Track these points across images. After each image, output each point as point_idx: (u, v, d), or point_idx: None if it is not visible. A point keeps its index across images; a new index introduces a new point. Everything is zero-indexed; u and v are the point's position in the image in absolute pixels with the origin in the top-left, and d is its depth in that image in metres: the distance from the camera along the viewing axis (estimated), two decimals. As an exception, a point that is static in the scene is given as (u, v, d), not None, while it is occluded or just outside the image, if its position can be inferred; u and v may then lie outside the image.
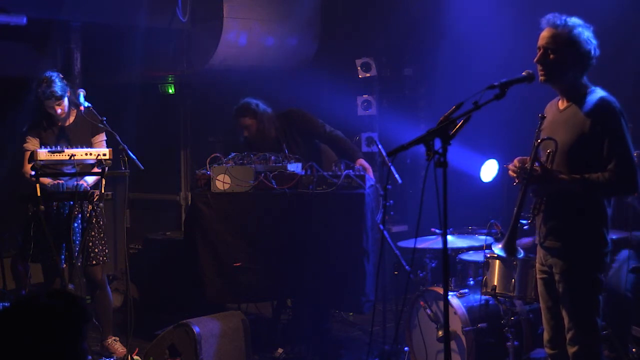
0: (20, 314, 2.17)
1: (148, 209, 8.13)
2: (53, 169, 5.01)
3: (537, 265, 3.65)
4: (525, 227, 3.60)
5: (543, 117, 3.58)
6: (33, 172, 4.66)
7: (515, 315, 4.43)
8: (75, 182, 4.90)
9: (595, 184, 3.34)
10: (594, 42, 3.42)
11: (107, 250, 5.24)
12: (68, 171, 4.91)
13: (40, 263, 5.20)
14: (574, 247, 3.43)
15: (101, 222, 5.17)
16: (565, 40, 3.38)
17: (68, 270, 5.17)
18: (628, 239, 4.56)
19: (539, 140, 3.49)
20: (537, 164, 3.44)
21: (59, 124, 5.19)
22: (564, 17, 3.42)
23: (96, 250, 5.13)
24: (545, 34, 3.43)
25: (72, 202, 4.94)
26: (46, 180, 4.96)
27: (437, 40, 6.66)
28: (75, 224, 5.01)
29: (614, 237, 4.29)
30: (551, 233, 3.49)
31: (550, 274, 3.53)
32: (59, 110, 5.07)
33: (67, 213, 4.99)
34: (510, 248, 3.57)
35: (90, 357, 4.78)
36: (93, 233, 5.09)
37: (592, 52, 3.41)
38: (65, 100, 5.08)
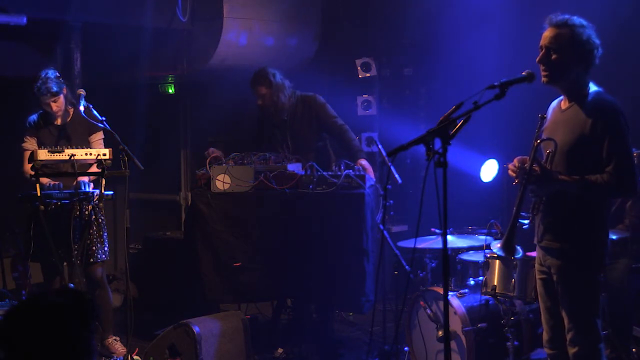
0: (30, 313, 2.16)
1: (148, 209, 8.12)
2: (52, 168, 5.02)
3: (537, 265, 3.65)
4: (525, 226, 3.59)
5: (543, 117, 3.58)
6: (33, 172, 4.66)
7: (515, 315, 4.43)
8: (75, 183, 4.89)
9: (594, 186, 3.33)
10: (597, 41, 3.40)
11: (106, 249, 5.23)
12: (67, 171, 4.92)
13: (39, 262, 5.22)
14: (572, 248, 3.43)
15: (100, 220, 5.17)
16: (567, 40, 3.37)
17: (68, 270, 5.18)
18: (628, 239, 4.56)
19: (538, 141, 3.49)
20: (536, 164, 3.44)
21: (56, 122, 5.20)
22: (566, 17, 3.41)
23: (94, 248, 5.13)
24: (547, 33, 3.43)
25: (69, 202, 4.94)
26: (45, 180, 4.97)
27: (437, 40, 6.66)
28: (75, 224, 5.01)
29: (614, 237, 4.30)
30: (549, 233, 3.49)
31: (549, 274, 3.53)
32: (54, 107, 5.08)
33: (67, 213, 4.99)
34: (508, 247, 3.57)
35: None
36: (91, 231, 5.10)
37: (595, 51, 3.40)
38: (61, 97, 5.09)
